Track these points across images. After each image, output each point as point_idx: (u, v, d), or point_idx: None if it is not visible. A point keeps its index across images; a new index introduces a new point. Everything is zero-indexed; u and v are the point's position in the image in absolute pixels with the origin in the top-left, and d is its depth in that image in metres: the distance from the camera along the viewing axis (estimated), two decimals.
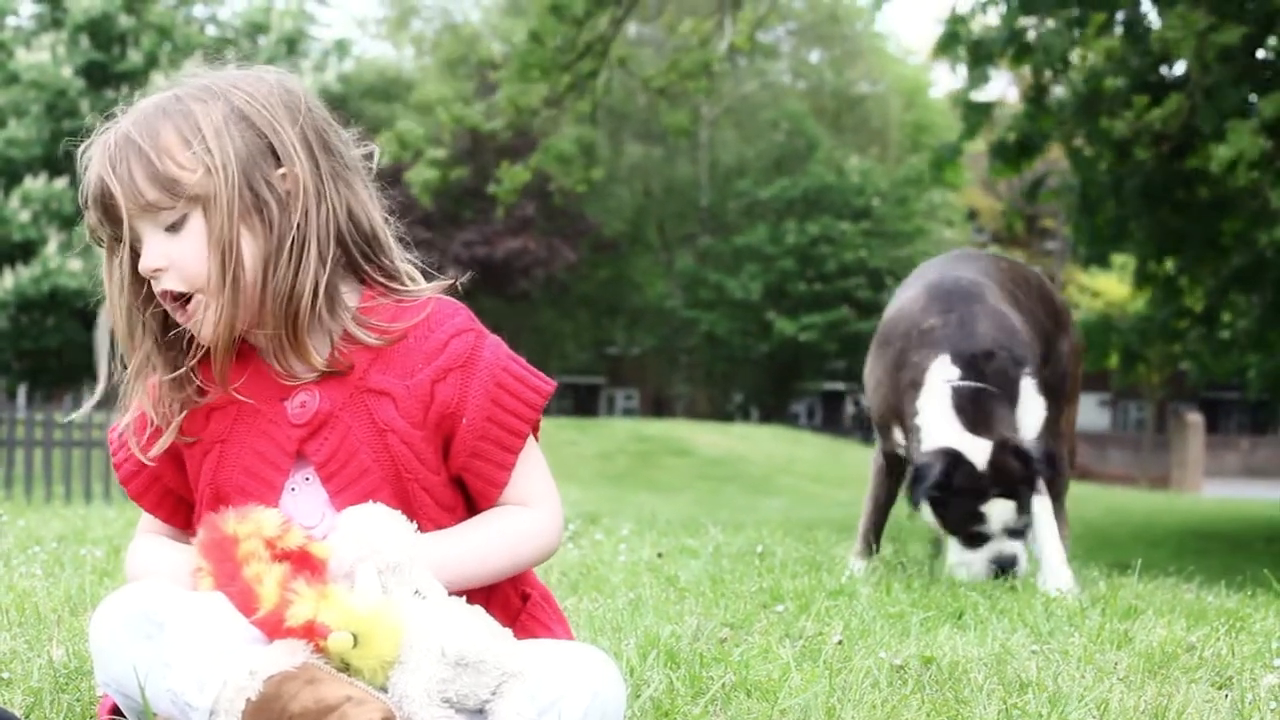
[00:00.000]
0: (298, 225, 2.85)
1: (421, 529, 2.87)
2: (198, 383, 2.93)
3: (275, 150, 2.86)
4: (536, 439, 3.04)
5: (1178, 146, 17.70)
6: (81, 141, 2.91)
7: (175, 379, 2.92)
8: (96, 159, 2.85)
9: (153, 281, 2.86)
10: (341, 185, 2.93)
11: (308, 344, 2.87)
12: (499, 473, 2.95)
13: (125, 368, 2.98)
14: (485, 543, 2.94)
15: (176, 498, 3.04)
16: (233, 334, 2.85)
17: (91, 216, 2.88)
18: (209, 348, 2.88)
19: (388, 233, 3.02)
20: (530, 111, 22.23)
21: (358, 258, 2.95)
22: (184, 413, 2.93)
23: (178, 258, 2.82)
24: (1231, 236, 19.66)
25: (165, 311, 2.91)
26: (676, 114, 27.13)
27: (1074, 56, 18.91)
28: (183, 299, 2.85)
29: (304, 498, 2.90)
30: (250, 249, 2.82)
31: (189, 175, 2.80)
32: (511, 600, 3.05)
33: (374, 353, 2.90)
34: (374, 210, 2.99)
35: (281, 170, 2.85)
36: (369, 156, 3.06)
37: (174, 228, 2.82)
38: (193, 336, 2.90)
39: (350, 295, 2.94)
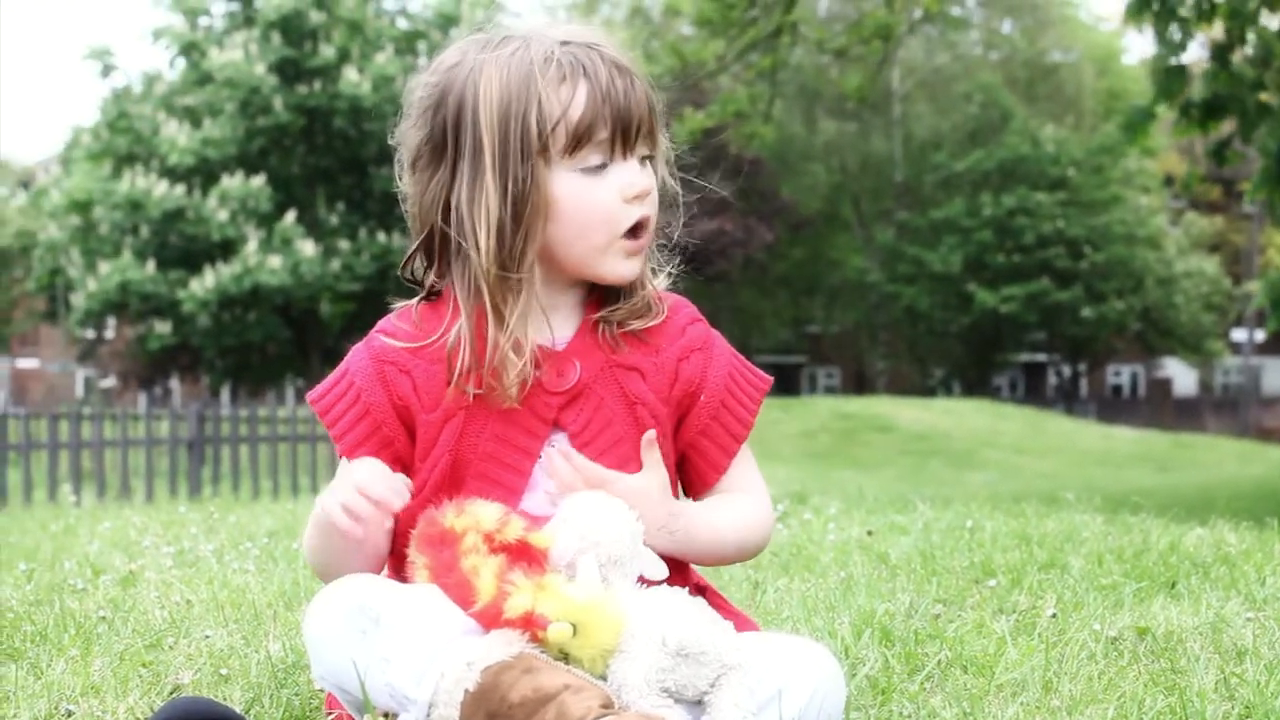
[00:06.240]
0: None
1: None
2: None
3: None
4: None
5: None
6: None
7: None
8: (602, 64, 2.85)
9: (626, 206, 2.86)
10: None
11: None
12: (723, 457, 2.98)
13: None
14: (730, 519, 2.96)
15: (399, 467, 2.87)
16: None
17: (564, 129, 2.81)
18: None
19: None
20: (702, 65, 22.54)
21: None
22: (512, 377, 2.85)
23: (652, 191, 2.92)
24: None
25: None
26: (854, 76, 27.33)
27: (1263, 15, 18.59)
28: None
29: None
30: None
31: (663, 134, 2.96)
32: (692, 593, 2.98)
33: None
34: None
35: None
36: None
37: (644, 160, 2.90)
38: None
39: None
